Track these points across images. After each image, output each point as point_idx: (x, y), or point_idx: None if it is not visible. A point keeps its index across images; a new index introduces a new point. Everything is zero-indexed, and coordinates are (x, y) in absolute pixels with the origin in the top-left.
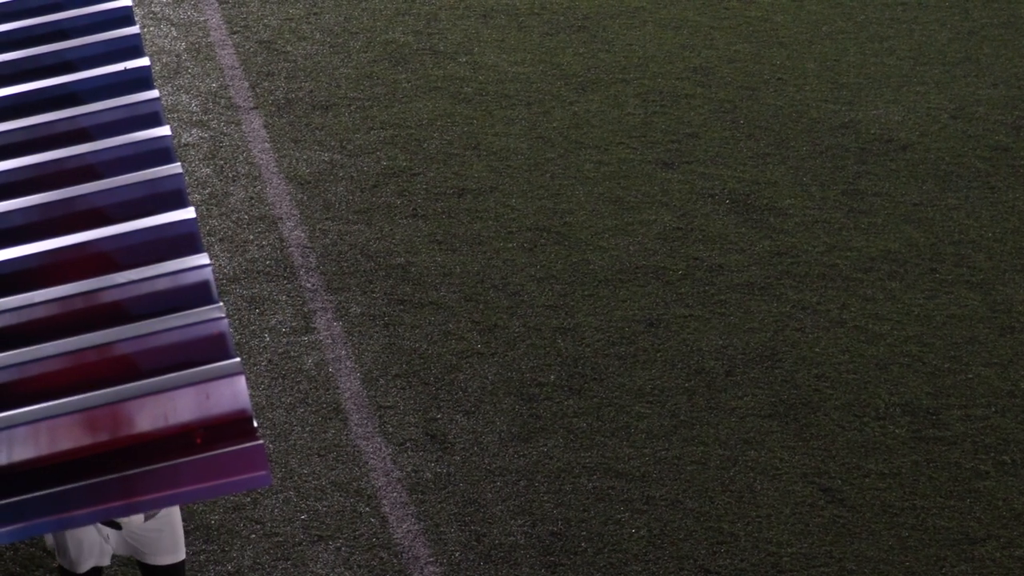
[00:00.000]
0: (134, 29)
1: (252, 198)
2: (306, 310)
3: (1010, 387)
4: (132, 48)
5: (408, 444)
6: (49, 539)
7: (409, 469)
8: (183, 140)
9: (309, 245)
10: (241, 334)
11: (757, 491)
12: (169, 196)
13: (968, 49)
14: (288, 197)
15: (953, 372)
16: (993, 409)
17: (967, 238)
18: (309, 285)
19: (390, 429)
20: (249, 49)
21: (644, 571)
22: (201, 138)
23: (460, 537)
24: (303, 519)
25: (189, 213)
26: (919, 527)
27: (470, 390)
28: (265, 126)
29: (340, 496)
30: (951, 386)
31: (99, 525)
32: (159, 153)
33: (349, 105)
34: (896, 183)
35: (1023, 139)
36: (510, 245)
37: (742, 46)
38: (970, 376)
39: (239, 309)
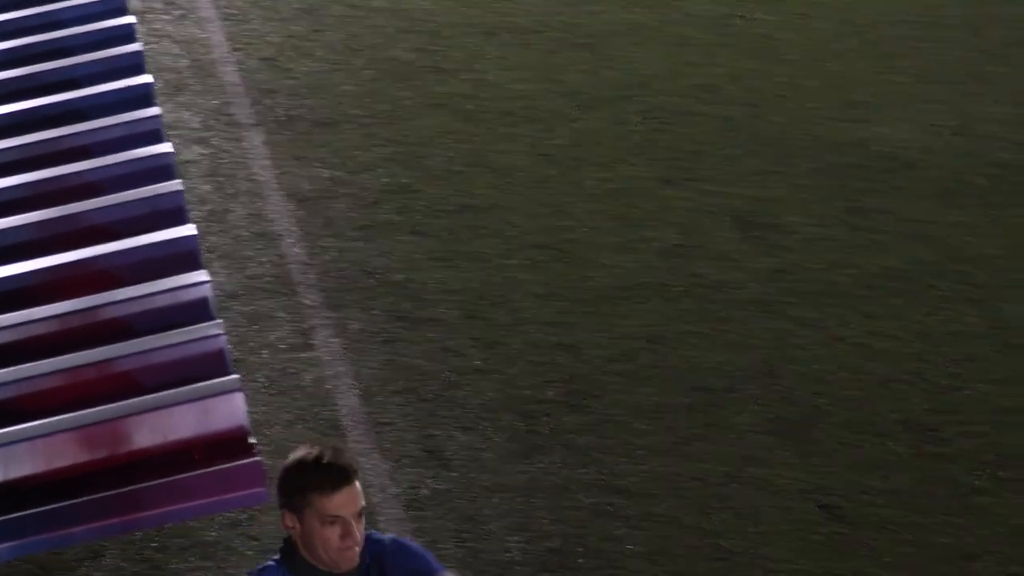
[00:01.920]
0: (136, 46)
1: (252, 215)
2: (305, 327)
3: (1009, 403)
4: (134, 65)
5: (406, 460)
6: None
7: (406, 485)
8: (184, 157)
9: (309, 262)
10: (240, 350)
11: (756, 508)
12: (170, 213)
13: (976, 67)
14: (288, 214)
15: (953, 389)
16: (992, 426)
17: (968, 255)
18: (309, 302)
19: (388, 445)
20: (251, 66)
21: None
22: (202, 155)
23: (457, 553)
24: None
25: (189, 230)
26: (918, 543)
27: (469, 407)
28: (266, 143)
29: None
30: (951, 403)
31: None
32: (160, 170)
33: (351, 122)
34: (899, 200)
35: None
36: (511, 262)
37: (746, 63)
38: (970, 393)
39: (238, 326)
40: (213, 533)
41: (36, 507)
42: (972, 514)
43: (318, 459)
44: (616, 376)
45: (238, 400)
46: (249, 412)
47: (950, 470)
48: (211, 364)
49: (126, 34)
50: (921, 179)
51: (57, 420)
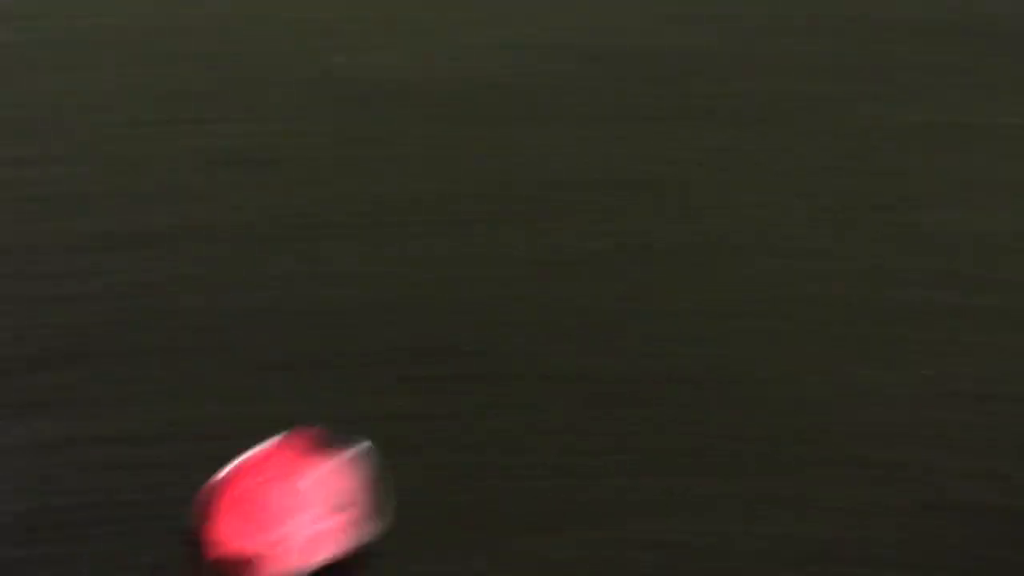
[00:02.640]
0: None
1: None
2: None
3: (509, 319)
4: None
5: None
6: None
7: None
8: None
9: None
10: None
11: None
12: None
13: None
14: None
15: (470, 310)
16: (519, 343)
17: (474, 177)
18: None
19: None
20: None
21: (121, 535)
22: None
23: None
24: None
25: None
26: (440, 466)
27: None
28: None
29: None
30: (465, 323)
31: None
32: None
33: None
34: (397, 126)
35: (518, 75)
36: None
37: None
38: (489, 312)
39: None
40: None
41: None
42: (489, 430)
43: None
44: (109, 326)
45: None
46: None
47: (472, 390)
48: None
49: None
50: (420, 104)
51: None
